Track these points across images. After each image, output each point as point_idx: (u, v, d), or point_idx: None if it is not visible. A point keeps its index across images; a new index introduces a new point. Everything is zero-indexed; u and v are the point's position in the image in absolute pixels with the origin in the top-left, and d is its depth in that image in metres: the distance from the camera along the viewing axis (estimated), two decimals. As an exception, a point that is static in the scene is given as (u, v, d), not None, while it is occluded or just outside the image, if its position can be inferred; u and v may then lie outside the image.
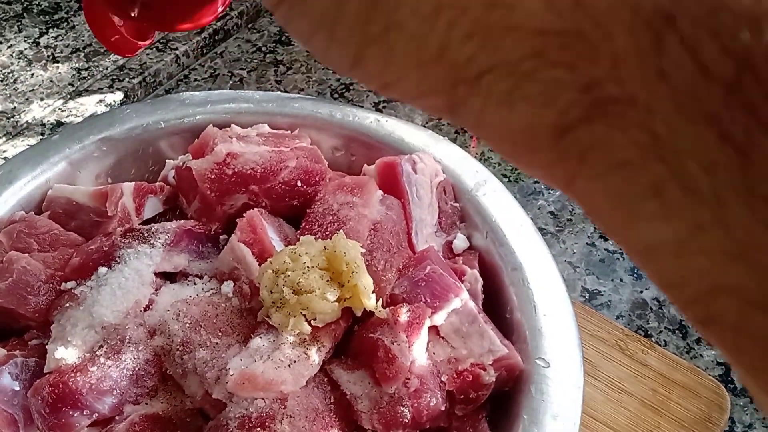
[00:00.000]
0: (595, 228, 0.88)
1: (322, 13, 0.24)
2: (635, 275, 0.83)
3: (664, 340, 0.78)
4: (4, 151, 0.86)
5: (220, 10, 0.35)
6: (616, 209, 0.21)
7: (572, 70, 0.20)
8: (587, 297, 0.81)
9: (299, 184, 0.60)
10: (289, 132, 0.66)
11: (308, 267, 0.50)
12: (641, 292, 0.82)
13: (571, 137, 0.20)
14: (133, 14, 0.35)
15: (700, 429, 0.64)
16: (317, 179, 0.61)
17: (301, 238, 0.53)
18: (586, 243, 0.87)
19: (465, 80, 0.22)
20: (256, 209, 0.58)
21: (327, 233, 0.55)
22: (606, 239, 0.87)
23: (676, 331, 0.79)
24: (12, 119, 0.91)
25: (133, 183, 0.61)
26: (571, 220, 0.89)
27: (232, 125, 0.64)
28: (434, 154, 0.64)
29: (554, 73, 0.20)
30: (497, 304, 0.57)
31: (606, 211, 0.21)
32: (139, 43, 0.39)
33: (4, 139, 0.88)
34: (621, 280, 0.83)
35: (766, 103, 0.17)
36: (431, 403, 0.49)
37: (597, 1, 0.19)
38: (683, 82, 0.18)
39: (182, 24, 0.36)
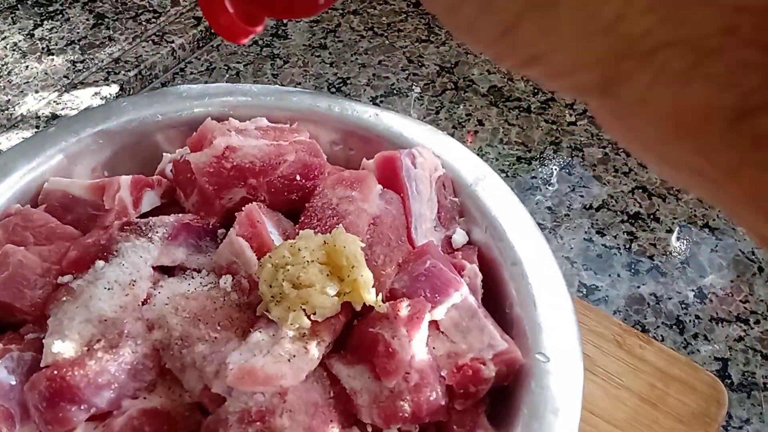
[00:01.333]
0: (592, 224, 0.88)
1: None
2: (632, 271, 0.84)
3: (661, 335, 0.78)
4: (-2, 144, 0.86)
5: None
6: None
7: (766, 52, 0.19)
8: (584, 292, 0.81)
9: (298, 178, 0.59)
10: (287, 126, 0.66)
11: (308, 261, 0.49)
12: (638, 287, 0.82)
13: (749, 122, 0.19)
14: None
15: (698, 424, 0.64)
16: (316, 173, 0.60)
17: (301, 232, 0.52)
18: (584, 238, 0.87)
19: (635, 54, 0.20)
20: (254, 203, 0.57)
21: (326, 227, 0.55)
22: (603, 235, 0.87)
23: (673, 327, 0.79)
24: (6, 112, 0.90)
25: (131, 176, 0.60)
26: (569, 215, 0.89)
27: (231, 118, 0.64)
28: (433, 148, 0.64)
29: (745, 53, 0.19)
30: (497, 299, 0.57)
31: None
32: (250, 28, 0.38)
33: (-2, 131, 0.88)
34: (618, 276, 0.83)
35: None
36: (431, 398, 0.48)
37: None
38: None
39: (295, 11, 0.36)
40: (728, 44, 0.19)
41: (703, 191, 0.23)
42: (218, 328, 0.50)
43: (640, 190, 0.92)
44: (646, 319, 0.79)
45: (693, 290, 0.82)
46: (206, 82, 1.03)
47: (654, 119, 0.22)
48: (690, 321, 0.79)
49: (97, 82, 0.95)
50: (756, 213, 0.20)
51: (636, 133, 0.23)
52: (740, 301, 0.81)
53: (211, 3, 0.37)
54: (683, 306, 0.80)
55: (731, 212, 0.22)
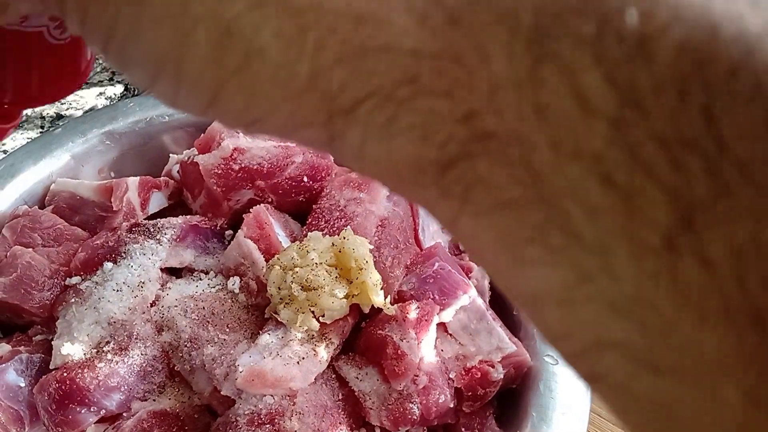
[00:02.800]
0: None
1: (165, 48, 0.20)
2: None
3: (667, 337, 0.78)
4: (3, 144, 0.86)
5: (83, 79, 0.30)
6: (501, 253, 0.19)
7: (449, 99, 0.18)
8: (590, 293, 0.81)
9: (305, 179, 0.59)
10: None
11: (316, 263, 0.50)
12: (643, 288, 0.82)
13: (453, 173, 0.18)
14: None
15: (704, 425, 0.64)
16: (323, 175, 0.60)
17: (309, 234, 0.52)
18: (589, 239, 0.87)
19: (340, 111, 0.19)
20: (262, 205, 0.57)
21: (334, 229, 0.55)
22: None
23: (679, 328, 0.79)
24: (11, 112, 0.90)
25: (138, 177, 0.60)
26: (574, 216, 0.89)
27: (238, 120, 0.64)
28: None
29: (430, 102, 0.18)
30: (504, 301, 0.57)
31: (491, 254, 0.19)
32: (3, 126, 0.32)
33: (3, 132, 0.88)
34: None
35: (651, 143, 0.16)
36: (440, 400, 0.49)
37: (473, 18, 0.17)
38: (562, 115, 0.16)
39: (41, 101, 0.32)
40: (414, 93, 0.18)
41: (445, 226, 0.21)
42: (227, 330, 0.50)
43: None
44: (651, 320, 0.79)
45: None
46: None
47: (378, 175, 0.20)
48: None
49: (102, 82, 0.95)
50: (495, 259, 0.19)
51: (375, 178, 0.21)
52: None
53: None
54: (688, 307, 0.80)
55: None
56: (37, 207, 0.61)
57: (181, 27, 0.19)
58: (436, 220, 0.20)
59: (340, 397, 0.49)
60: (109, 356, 0.48)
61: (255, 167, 0.57)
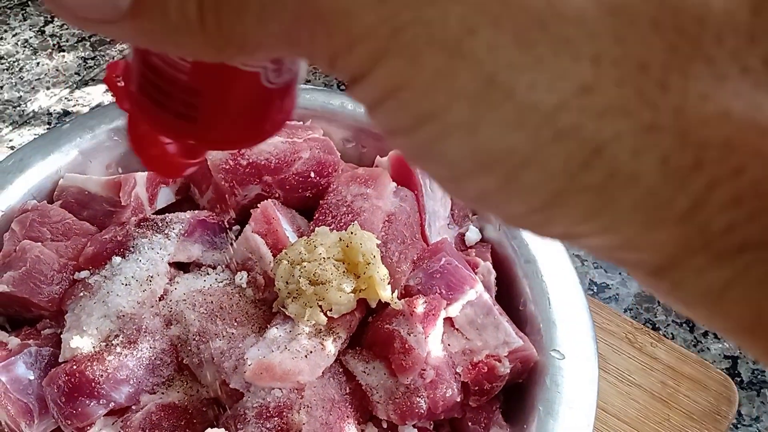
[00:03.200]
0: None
1: (505, 152, 0.18)
2: (642, 269, 0.84)
3: (672, 333, 0.78)
4: (10, 140, 0.86)
5: (278, 125, 0.27)
6: None
7: None
8: (595, 290, 0.81)
9: (312, 175, 0.60)
10: (301, 123, 0.66)
11: (324, 258, 0.50)
12: (648, 285, 0.82)
13: None
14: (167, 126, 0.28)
15: (709, 421, 0.64)
16: (330, 170, 0.61)
17: (317, 229, 0.53)
18: (593, 236, 0.87)
19: (712, 250, 0.18)
20: (269, 200, 0.58)
21: (341, 224, 0.55)
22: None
23: (684, 325, 0.79)
24: (18, 108, 0.90)
25: (146, 173, 0.61)
26: (578, 213, 0.90)
27: (245, 115, 0.64)
28: (446, 146, 0.64)
29: None
30: (510, 297, 0.57)
31: None
32: (188, 161, 0.31)
33: (10, 128, 0.88)
34: (628, 274, 0.83)
35: None
36: (447, 394, 0.49)
37: None
38: None
39: (233, 145, 0.30)
40: None
41: None
42: (235, 323, 0.51)
43: (650, 189, 0.92)
44: (656, 317, 0.79)
45: (702, 288, 0.82)
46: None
47: (725, 317, 0.19)
48: (700, 319, 0.79)
49: (108, 78, 0.96)
50: None
51: (696, 317, 0.20)
52: (750, 299, 0.82)
53: (141, 135, 0.31)
54: (693, 304, 0.81)
55: None
56: (45, 202, 0.61)
57: (539, 136, 0.17)
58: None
59: (348, 391, 0.50)
60: (118, 349, 0.48)
61: (262, 162, 0.57)
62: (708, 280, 0.18)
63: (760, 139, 0.17)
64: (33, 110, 0.91)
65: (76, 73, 0.96)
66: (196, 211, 0.58)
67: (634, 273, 0.20)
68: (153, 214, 0.60)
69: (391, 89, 0.18)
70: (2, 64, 0.96)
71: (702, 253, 0.18)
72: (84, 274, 0.54)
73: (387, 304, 0.50)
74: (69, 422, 0.48)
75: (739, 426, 0.71)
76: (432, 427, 0.51)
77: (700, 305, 0.19)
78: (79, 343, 0.49)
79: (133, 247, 0.54)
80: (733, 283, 0.18)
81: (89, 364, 0.48)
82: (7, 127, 0.88)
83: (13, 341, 0.52)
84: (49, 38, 1.01)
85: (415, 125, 0.18)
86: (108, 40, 1.01)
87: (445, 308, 0.51)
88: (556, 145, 0.17)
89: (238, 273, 0.55)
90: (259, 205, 0.57)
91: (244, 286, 0.54)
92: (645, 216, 0.18)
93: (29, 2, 1.06)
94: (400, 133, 0.19)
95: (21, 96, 0.92)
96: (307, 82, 1.04)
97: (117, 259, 0.54)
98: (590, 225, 0.19)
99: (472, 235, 0.61)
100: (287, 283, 0.50)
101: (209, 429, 0.44)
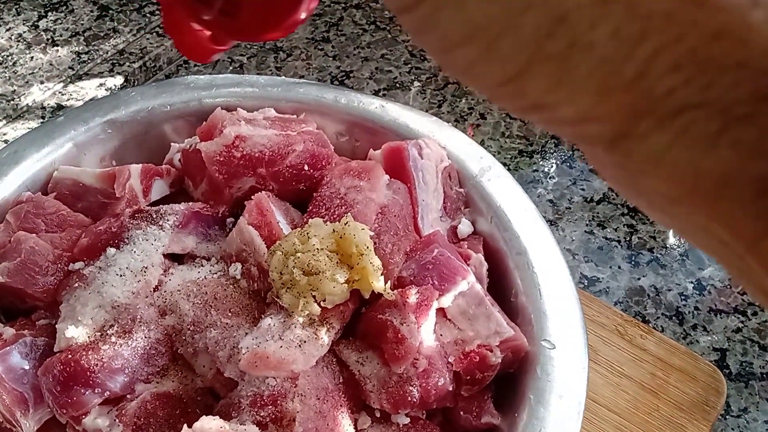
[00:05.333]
0: (593, 217, 0.89)
1: (483, 23, 0.21)
2: (633, 263, 0.85)
3: (661, 326, 0.79)
4: (4, 134, 0.86)
5: (303, 17, 0.32)
6: None
7: None
8: (586, 284, 0.82)
9: (306, 167, 0.60)
10: (295, 116, 0.66)
11: (318, 249, 0.50)
12: (638, 279, 0.83)
13: None
14: (208, 19, 0.33)
15: (698, 412, 0.65)
16: (324, 163, 0.61)
17: (310, 220, 0.53)
18: (585, 231, 0.88)
19: (656, 113, 0.19)
20: (263, 192, 0.58)
21: (334, 217, 0.56)
22: (604, 227, 0.88)
23: (673, 318, 0.80)
24: (12, 102, 0.90)
25: (141, 165, 0.61)
26: (570, 208, 0.90)
27: (239, 109, 0.64)
28: (439, 140, 0.65)
29: None
30: (502, 288, 0.58)
31: None
32: (216, 47, 0.36)
33: (4, 122, 0.88)
34: (619, 268, 0.84)
35: None
36: (439, 383, 0.49)
37: None
38: None
39: (258, 36, 0.34)
40: (761, 111, 0.18)
41: (716, 254, 0.22)
42: (229, 314, 0.51)
43: (640, 184, 0.93)
44: (646, 310, 0.80)
45: (692, 282, 0.83)
46: (210, 74, 1.03)
47: (667, 179, 0.21)
48: (689, 312, 0.80)
49: (102, 73, 0.96)
50: None
51: (643, 190, 0.22)
52: (738, 293, 0.83)
53: (176, 22, 0.35)
54: (683, 297, 0.81)
55: (747, 279, 0.21)
56: (40, 194, 0.61)
57: (512, 8, 0.20)
58: (727, 233, 0.21)
59: (341, 380, 0.50)
60: (113, 339, 0.49)
61: (256, 155, 0.58)
62: (652, 144, 0.20)
63: (697, 9, 0.19)
64: (27, 104, 0.91)
65: (69, 68, 0.96)
66: (191, 203, 0.58)
67: (592, 153, 0.22)
68: (147, 206, 0.60)
69: None
70: (-5, 58, 0.96)
71: (647, 118, 0.20)
72: (79, 265, 0.55)
73: (380, 295, 0.51)
74: (64, 411, 0.48)
75: (727, 417, 0.72)
76: (424, 416, 0.52)
77: (646, 172, 0.21)
78: (74, 332, 0.49)
79: (127, 238, 0.55)
80: (673, 145, 0.20)
81: (84, 353, 0.48)
82: (0, 121, 0.88)
83: (8, 331, 0.53)
84: (42, 33, 1.01)
85: (417, 3, 0.22)
86: (102, 34, 1.01)
87: (437, 299, 0.51)
88: (526, 15, 0.20)
89: (233, 264, 0.55)
90: (253, 197, 0.57)
91: (239, 277, 0.54)
92: (598, 84, 0.20)
93: (22, -4, 1.06)
94: (406, 10, 0.22)
95: (15, 90, 0.92)
96: (301, 77, 1.04)
97: (111, 251, 0.54)
98: (555, 94, 0.21)
99: (464, 227, 0.62)
100: (281, 273, 0.50)
101: (204, 417, 0.45)
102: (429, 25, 0.22)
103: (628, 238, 0.87)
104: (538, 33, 0.20)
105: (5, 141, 0.85)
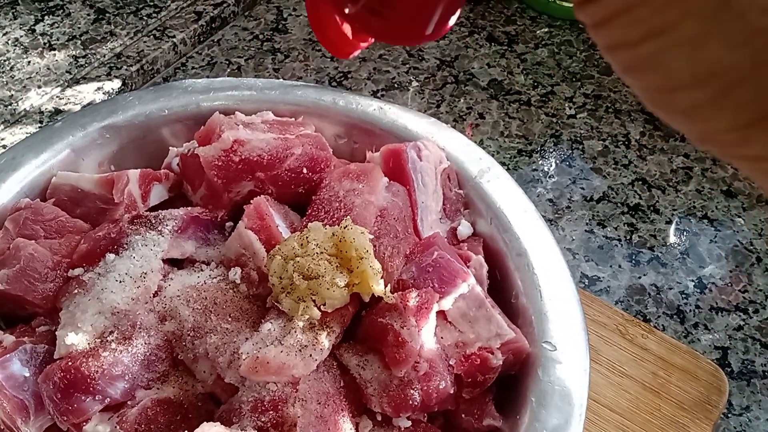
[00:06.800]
0: (593, 216, 0.89)
1: (726, 68, 0.19)
2: (633, 262, 0.84)
3: (663, 325, 0.79)
4: (2, 139, 0.86)
5: (450, 25, 0.31)
6: None
7: None
8: (586, 283, 0.82)
9: (305, 171, 0.60)
10: (293, 119, 0.66)
11: (317, 253, 0.50)
12: (639, 278, 0.83)
13: None
14: (354, 14, 0.32)
15: (700, 411, 0.65)
16: (323, 166, 0.61)
17: (310, 224, 0.53)
18: (585, 230, 0.88)
19: None
20: (262, 196, 0.58)
21: (333, 220, 0.56)
22: (604, 226, 0.88)
23: (674, 316, 0.80)
24: (9, 107, 0.90)
25: (139, 170, 0.61)
26: (570, 207, 0.90)
27: (237, 112, 0.64)
28: (438, 141, 0.65)
29: None
30: (502, 290, 0.58)
31: None
32: (358, 43, 0.36)
33: (2, 127, 0.88)
34: (619, 266, 0.84)
35: None
36: (440, 386, 0.49)
37: None
38: None
39: (402, 39, 0.34)
40: None
41: None
42: (229, 319, 0.51)
43: (640, 182, 0.93)
44: (647, 309, 0.80)
45: (693, 280, 0.83)
46: (207, 77, 1.03)
47: None
48: (690, 311, 0.80)
49: (100, 77, 0.95)
50: None
51: None
52: (739, 290, 0.82)
53: (320, 15, 0.35)
54: (684, 296, 0.81)
55: None
56: (38, 200, 0.61)
57: (760, 58, 0.19)
58: None
59: (342, 385, 0.50)
60: (113, 345, 0.49)
61: (255, 159, 0.58)
62: None
63: None
64: (24, 109, 0.90)
65: (67, 72, 0.96)
66: (189, 208, 0.58)
67: None
68: (146, 211, 0.60)
69: (627, 5, 0.20)
70: (-7, 63, 0.96)
71: None
72: (78, 271, 0.54)
73: (380, 298, 0.51)
74: (65, 418, 0.48)
75: (729, 415, 0.72)
76: (426, 419, 0.52)
77: None
78: (74, 339, 0.49)
79: (126, 244, 0.55)
80: None
81: (84, 360, 0.48)
82: (-2, 126, 0.88)
83: (8, 339, 0.53)
84: (39, 37, 1.01)
85: (644, 39, 0.20)
86: (99, 38, 1.01)
87: (437, 301, 0.51)
88: None
89: (232, 269, 0.55)
90: (252, 201, 0.57)
91: (238, 281, 0.54)
92: None
93: (19, 1, 1.06)
94: (625, 46, 0.20)
95: (12, 95, 0.92)
96: (299, 79, 1.04)
97: (111, 256, 0.54)
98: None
99: (464, 229, 0.62)
100: (281, 278, 0.50)
101: (204, 423, 0.45)
102: (653, 64, 0.20)
103: (628, 237, 0.87)
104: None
105: (3, 146, 0.85)
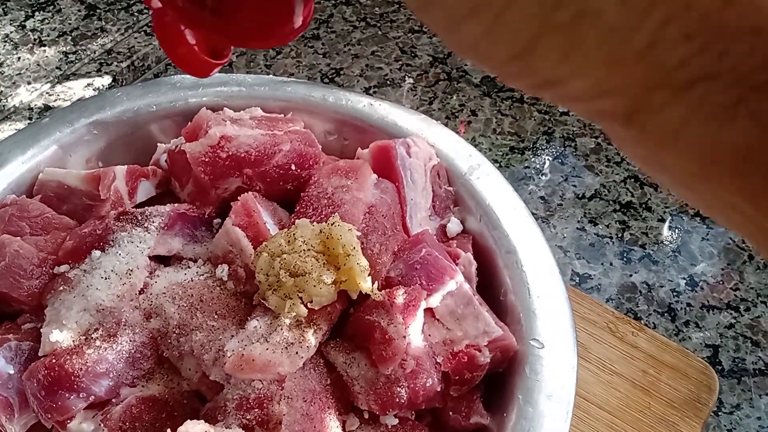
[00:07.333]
0: (584, 213, 0.89)
1: None
2: (624, 259, 0.84)
3: (653, 323, 0.79)
4: (-9, 136, 0.86)
5: (297, 26, 0.29)
6: None
7: None
8: (577, 281, 0.82)
9: (293, 167, 0.60)
10: (282, 116, 0.66)
11: (304, 250, 0.50)
12: (630, 276, 0.83)
13: None
14: (199, 21, 0.30)
15: (690, 409, 0.65)
16: (311, 163, 0.61)
17: (297, 221, 0.53)
18: (576, 228, 0.88)
19: (669, 85, 0.19)
20: (250, 193, 0.57)
21: (322, 216, 0.55)
22: (596, 224, 0.88)
23: (665, 314, 0.80)
24: (-1, 103, 0.90)
25: (126, 166, 0.60)
26: (561, 205, 0.90)
27: (225, 108, 0.64)
28: (428, 138, 0.64)
29: None
30: (491, 287, 0.58)
31: None
32: (213, 61, 0.34)
33: (-9, 123, 0.87)
34: (611, 264, 0.84)
35: None
36: (427, 384, 0.49)
37: None
38: None
39: (255, 40, 0.32)
40: None
41: (742, 230, 0.21)
42: (215, 316, 0.51)
43: (632, 180, 0.93)
44: (638, 306, 0.80)
45: (684, 278, 0.83)
46: (199, 73, 1.02)
47: (687, 154, 0.20)
48: (681, 308, 0.80)
49: (90, 73, 0.95)
50: None
51: (663, 165, 0.21)
52: (731, 288, 0.82)
53: (168, 33, 0.33)
54: (675, 294, 0.81)
55: None
56: (24, 196, 0.61)
57: None
58: (752, 207, 0.20)
59: (329, 382, 0.50)
60: (98, 343, 0.48)
61: (242, 155, 0.57)
62: (668, 118, 0.19)
63: None
64: (14, 105, 0.90)
65: (57, 68, 0.95)
66: (176, 204, 0.58)
67: (611, 130, 0.21)
68: (133, 207, 0.59)
69: None
70: (-18, 58, 0.96)
71: (660, 91, 0.19)
72: (63, 268, 0.54)
73: (368, 296, 0.51)
74: (49, 416, 0.47)
75: (719, 413, 0.72)
76: (413, 416, 0.52)
77: (664, 147, 0.20)
78: (59, 337, 0.49)
79: (112, 240, 0.54)
80: (690, 118, 0.19)
81: (69, 357, 0.47)
82: (-13, 122, 0.87)
83: (-7, 336, 0.52)
84: (29, 33, 1.01)
85: None
86: (89, 34, 1.00)
87: (425, 299, 0.51)
88: None
89: (219, 266, 0.55)
90: (239, 197, 0.57)
91: (225, 278, 0.54)
92: (608, 55, 0.19)
93: (9, -4, 1.06)
94: None
95: (2, 91, 0.91)
96: (291, 75, 1.04)
97: (97, 253, 0.53)
98: (565, 68, 0.20)
99: (454, 226, 0.62)
100: (267, 275, 0.50)
101: (188, 421, 0.44)
102: (431, 1, 0.21)
103: (620, 235, 0.87)
104: (544, 4, 0.19)
105: (-8, 142, 0.84)
